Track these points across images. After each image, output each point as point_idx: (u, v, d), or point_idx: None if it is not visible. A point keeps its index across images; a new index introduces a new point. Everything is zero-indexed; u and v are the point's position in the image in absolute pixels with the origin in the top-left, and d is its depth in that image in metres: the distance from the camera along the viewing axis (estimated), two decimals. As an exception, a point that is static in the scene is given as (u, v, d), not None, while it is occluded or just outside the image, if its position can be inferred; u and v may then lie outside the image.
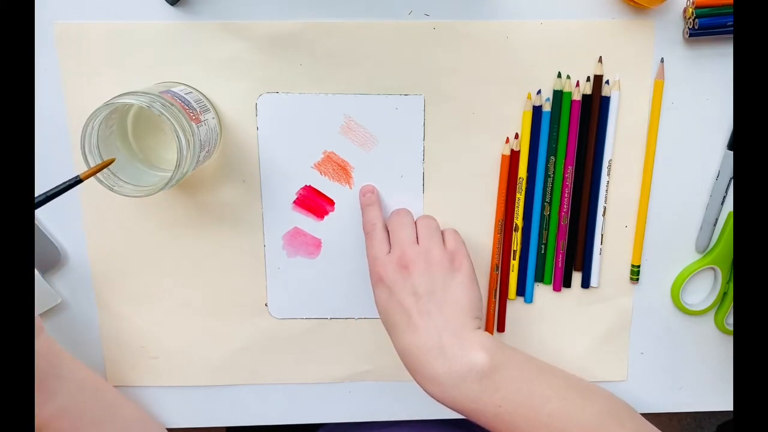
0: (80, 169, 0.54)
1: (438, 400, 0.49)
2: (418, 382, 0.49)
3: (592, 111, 0.55)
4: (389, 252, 0.52)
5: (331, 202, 0.57)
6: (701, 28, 0.52)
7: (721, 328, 0.60)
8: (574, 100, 0.55)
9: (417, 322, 0.49)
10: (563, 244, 0.58)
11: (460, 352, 0.48)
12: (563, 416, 0.49)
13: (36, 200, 0.44)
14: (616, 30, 0.53)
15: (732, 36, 0.53)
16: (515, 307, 0.60)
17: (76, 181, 0.45)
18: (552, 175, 0.56)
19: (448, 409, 0.61)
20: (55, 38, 0.53)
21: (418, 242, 0.53)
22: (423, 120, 0.55)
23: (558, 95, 0.55)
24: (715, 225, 0.58)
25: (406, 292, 0.50)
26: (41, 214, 0.56)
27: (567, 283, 0.59)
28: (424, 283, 0.50)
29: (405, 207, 0.56)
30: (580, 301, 0.59)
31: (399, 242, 0.52)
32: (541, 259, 0.58)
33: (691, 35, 0.53)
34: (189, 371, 0.60)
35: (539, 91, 0.55)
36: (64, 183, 0.45)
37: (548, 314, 0.60)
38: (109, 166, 0.47)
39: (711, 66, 0.54)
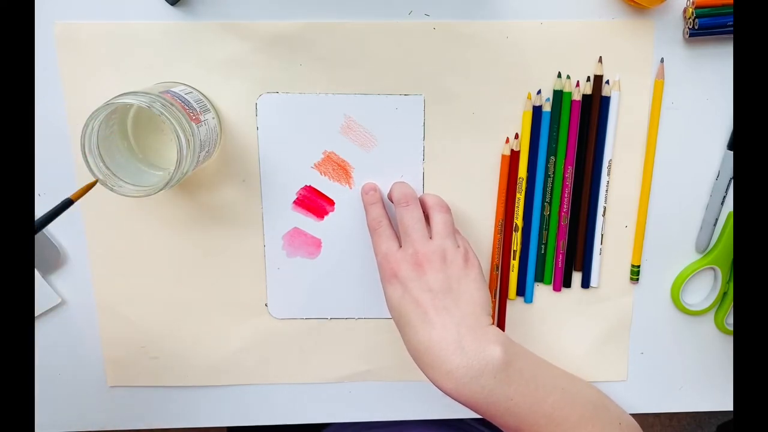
0: (81, 170, 0.54)
1: (452, 396, 0.49)
2: (432, 378, 0.49)
3: (592, 111, 0.55)
4: (399, 248, 0.52)
5: (331, 202, 0.57)
6: (701, 28, 0.52)
7: (721, 328, 0.60)
8: (574, 100, 0.55)
9: (433, 318, 0.49)
10: (563, 244, 0.58)
11: (478, 346, 0.48)
12: (564, 405, 0.51)
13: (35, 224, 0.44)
14: (616, 30, 0.53)
15: (732, 36, 0.53)
16: (515, 307, 0.60)
17: (68, 203, 0.45)
18: (552, 175, 0.56)
19: (448, 410, 0.62)
20: (55, 38, 0.53)
21: (430, 236, 0.53)
22: (423, 120, 0.55)
23: (558, 95, 0.55)
24: (715, 225, 0.58)
25: (421, 289, 0.50)
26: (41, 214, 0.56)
27: (567, 283, 0.59)
28: (439, 281, 0.50)
29: (407, 183, 0.56)
30: (580, 301, 0.59)
31: (411, 239, 0.52)
32: (541, 259, 0.58)
33: (691, 35, 0.53)
34: (189, 371, 0.60)
35: (539, 91, 0.55)
36: (56, 207, 0.45)
37: (548, 314, 0.60)
38: (109, 166, 0.47)
39: (711, 66, 0.54)
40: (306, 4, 0.52)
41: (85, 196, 0.55)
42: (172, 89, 0.50)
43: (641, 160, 0.56)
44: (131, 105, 0.47)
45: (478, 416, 0.51)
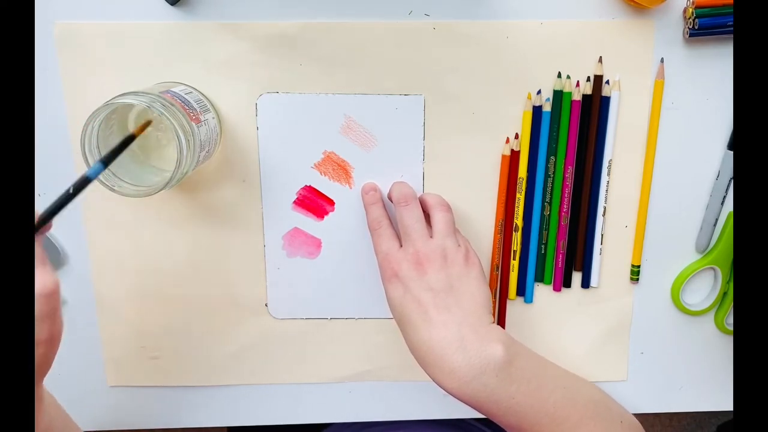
0: (81, 170, 0.54)
1: (454, 395, 0.49)
2: (434, 377, 0.49)
3: (592, 111, 0.55)
4: (400, 247, 0.52)
5: (331, 202, 0.57)
6: (701, 28, 0.52)
7: (721, 328, 0.60)
8: (574, 100, 0.55)
9: (434, 317, 0.49)
10: (563, 244, 0.58)
11: (480, 345, 0.49)
12: (566, 404, 0.51)
13: (104, 158, 0.42)
14: (616, 30, 0.53)
15: (732, 36, 0.53)
16: (515, 307, 0.60)
17: (130, 139, 0.42)
18: (552, 175, 0.56)
19: (448, 410, 0.62)
20: (55, 38, 0.53)
21: (430, 235, 0.53)
22: (423, 120, 0.55)
23: (558, 95, 0.55)
24: (715, 225, 0.58)
25: (422, 288, 0.50)
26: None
27: (567, 283, 0.59)
28: (440, 280, 0.50)
29: (406, 182, 0.56)
30: (580, 301, 0.59)
31: (411, 239, 0.52)
32: (541, 259, 0.58)
33: (691, 35, 0.53)
34: (189, 371, 0.60)
35: (539, 91, 0.55)
36: (119, 143, 0.42)
37: (548, 314, 0.60)
38: (109, 167, 0.47)
39: (711, 66, 0.54)
40: (306, 4, 0.52)
41: (85, 196, 0.56)
42: (172, 89, 0.50)
43: (641, 160, 0.56)
44: (131, 105, 0.47)
45: (479, 416, 0.51)
